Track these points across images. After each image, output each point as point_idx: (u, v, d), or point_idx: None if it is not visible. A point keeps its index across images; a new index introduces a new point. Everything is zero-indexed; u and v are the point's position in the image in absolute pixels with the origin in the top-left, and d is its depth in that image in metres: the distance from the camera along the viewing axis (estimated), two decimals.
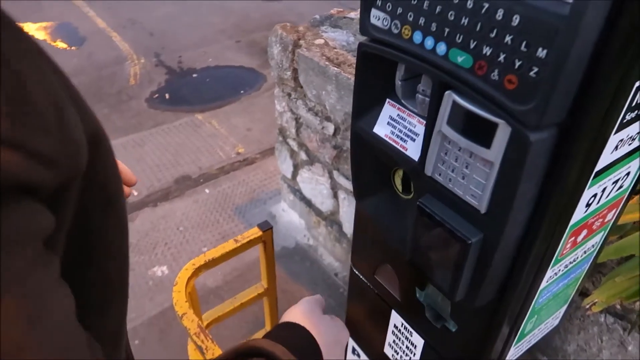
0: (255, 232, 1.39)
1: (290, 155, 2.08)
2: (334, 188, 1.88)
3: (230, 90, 3.48)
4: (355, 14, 1.87)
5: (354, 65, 1.60)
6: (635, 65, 0.49)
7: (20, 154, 0.24)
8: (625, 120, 0.55)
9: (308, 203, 2.12)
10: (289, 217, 2.32)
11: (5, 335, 0.24)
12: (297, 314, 0.67)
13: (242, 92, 3.47)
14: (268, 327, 1.72)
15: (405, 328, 0.94)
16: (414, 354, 0.94)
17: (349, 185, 1.76)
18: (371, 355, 1.11)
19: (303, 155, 1.98)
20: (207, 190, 2.56)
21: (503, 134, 0.53)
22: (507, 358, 0.84)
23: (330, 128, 1.71)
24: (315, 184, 1.98)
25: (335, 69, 1.53)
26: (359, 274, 1.02)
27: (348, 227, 1.88)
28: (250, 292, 1.53)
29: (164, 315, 1.93)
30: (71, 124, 0.27)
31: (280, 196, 2.41)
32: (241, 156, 2.80)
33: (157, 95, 3.43)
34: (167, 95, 3.43)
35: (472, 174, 0.59)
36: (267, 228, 1.40)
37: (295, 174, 2.11)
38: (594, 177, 0.60)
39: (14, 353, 0.24)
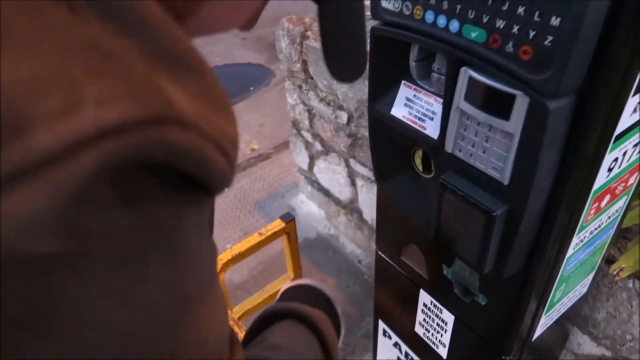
0: (278, 224, 1.41)
1: (305, 147, 2.09)
2: (351, 176, 1.89)
3: (240, 87, 3.51)
4: None
5: None
6: None
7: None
8: None
9: (326, 193, 2.13)
10: (308, 209, 2.34)
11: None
12: None
13: (251, 88, 3.49)
14: None
15: (434, 306, 0.95)
16: (445, 331, 0.95)
17: (366, 172, 1.77)
18: (403, 335, 1.13)
19: (318, 146, 1.99)
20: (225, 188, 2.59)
21: (521, 104, 0.54)
22: (538, 327, 0.85)
23: (343, 117, 1.72)
24: (332, 174, 1.99)
25: None
26: (384, 257, 1.04)
27: (368, 214, 1.90)
28: (278, 284, 1.56)
29: None
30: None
31: (298, 188, 2.43)
32: (256, 152, 2.83)
33: None
34: None
35: (492, 147, 0.60)
36: (289, 219, 1.42)
37: (311, 165, 2.13)
38: (615, 141, 0.60)
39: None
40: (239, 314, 1.45)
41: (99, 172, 0.19)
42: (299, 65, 1.80)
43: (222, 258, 1.32)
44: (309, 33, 1.72)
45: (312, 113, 1.91)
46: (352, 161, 1.82)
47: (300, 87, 1.89)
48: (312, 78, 1.79)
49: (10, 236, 0.18)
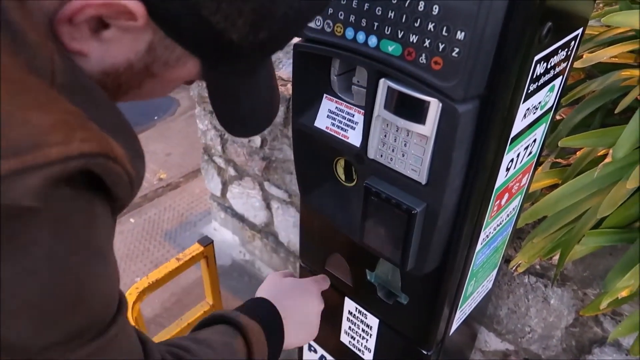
0: (196, 249, 1.38)
1: (218, 173, 2.08)
2: (266, 199, 1.91)
3: (143, 117, 3.39)
4: None
5: (274, 76, 1.65)
6: (533, 41, 0.59)
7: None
8: (529, 91, 0.65)
9: (241, 218, 2.12)
10: (222, 236, 2.30)
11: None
12: (260, 290, 0.80)
13: (155, 117, 3.40)
14: None
15: (359, 312, 0.99)
16: (370, 335, 0.99)
17: (281, 194, 1.80)
18: (328, 347, 1.15)
19: (231, 171, 1.99)
20: (132, 220, 2.47)
21: (435, 109, 0.61)
22: (454, 321, 0.92)
23: (257, 140, 1.74)
24: (246, 198, 2.00)
25: None
26: (308, 270, 1.06)
27: (284, 236, 1.92)
28: (197, 311, 1.52)
29: None
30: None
31: (210, 216, 2.39)
32: (164, 182, 2.74)
33: None
34: None
35: (410, 151, 0.67)
36: (207, 243, 1.41)
37: (224, 191, 2.11)
38: (510, 143, 0.69)
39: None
40: None
41: (76, 173, 0.34)
42: None
43: (139, 286, 1.26)
44: None
45: (225, 138, 1.91)
46: (266, 184, 1.84)
47: (211, 112, 1.89)
48: None
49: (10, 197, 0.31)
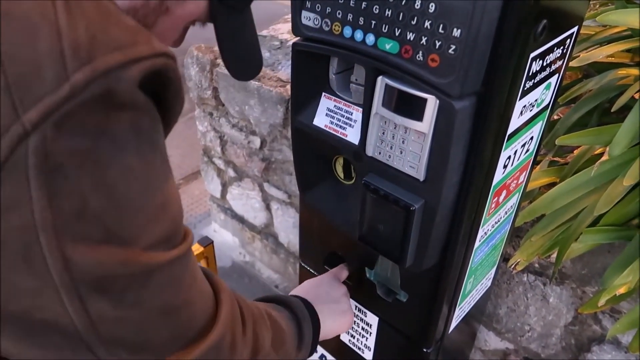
0: (196, 249, 1.39)
1: (218, 174, 2.08)
2: (266, 200, 1.91)
3: None
4: (266, 32, 1.94)
5: (274, 79, 1.65)
6: (528, 39, 0.60)
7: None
8: (526, 88, 0.66)
9: (240, 219, 2.13)
10: (222, 237, 2.31)
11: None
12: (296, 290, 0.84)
13: None
14: None
15: (359, 310, 1.00)
16: (370, 333, 1.00)
17: (281, 195, 1.80)
18: (328, 346, 1.16)
19: (231, 172, 1.99)
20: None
21: (432, 106, 0.61)
22: (453, 319, 0.92)
23: (256, 141, 1.75)
24: (246, 199, 2.00)
25: (256, 83, 1.59)
26: (308, 268, 1.07)
27: (284, 237, 1.92)
28: None
29: None
30: None
31: (210, 218, 2.39)
32: None
33: None
34: None
35: (408, 148, 0.67)
36: (207, 243, 1.41)
37: (224, 192, 2.11)
38: (507, 140, 0.70)
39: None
40: None
41: (152, 75, 0.37)
42: (209, 93, 1.81)
43: None
44: (218, 61, 1.74)
45: (224, 139, 1.92)
46: (266, 185, 1.85)
47: (211, 114, 1.90)
48: (223, 105, 1.81)
49: (122, 89, 0.35)
